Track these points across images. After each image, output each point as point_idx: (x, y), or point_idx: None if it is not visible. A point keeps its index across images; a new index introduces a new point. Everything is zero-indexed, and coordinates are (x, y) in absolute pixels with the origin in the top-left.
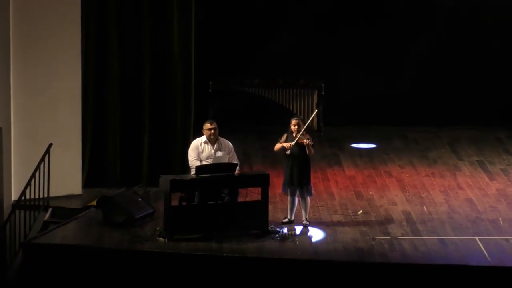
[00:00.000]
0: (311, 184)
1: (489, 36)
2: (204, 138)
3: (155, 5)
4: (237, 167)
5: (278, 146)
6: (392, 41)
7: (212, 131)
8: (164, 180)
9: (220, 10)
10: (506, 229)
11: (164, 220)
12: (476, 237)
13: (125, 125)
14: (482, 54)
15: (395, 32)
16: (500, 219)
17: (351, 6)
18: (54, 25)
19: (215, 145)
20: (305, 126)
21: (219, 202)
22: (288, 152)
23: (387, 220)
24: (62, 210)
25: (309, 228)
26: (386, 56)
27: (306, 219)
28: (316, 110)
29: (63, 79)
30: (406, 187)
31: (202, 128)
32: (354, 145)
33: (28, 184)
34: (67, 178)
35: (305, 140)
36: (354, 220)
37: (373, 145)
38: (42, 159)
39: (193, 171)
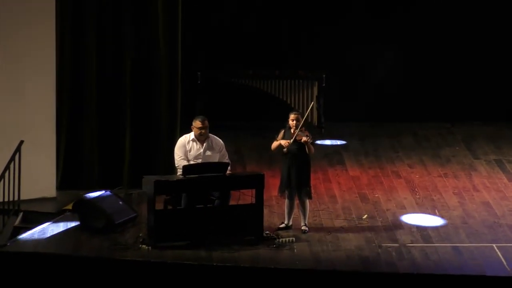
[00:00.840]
0: (311, 186)
1: (507, 28)
2: (192, 135)
3: None
4: (229, 167)
5: (275, 144)
6: (405, 30)
7: (203, 131)
8: (148, 181)
9: None
10: None
11: (147, 225)
12: (494, 244)
13: (104, 120)
14: (500, 45)
15: (410, 21)
16: None
17: None
18: (26, 15)
19: (205, 144)
20: (303, 122)
21: (208, 205)
22: (285, 150)
23: (395, 226)
24: (35, 215)
25: (309, 234)
26: (395, 45)
27: (305, 225)
28: (312, 103)
29: (35, 73)
30: (416, 189)
31: (190, 124)
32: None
33: None
34: (39, 179)
35: (304, 137)
36: (358, 225)
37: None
38: (12, 158)
39: (179, 172)
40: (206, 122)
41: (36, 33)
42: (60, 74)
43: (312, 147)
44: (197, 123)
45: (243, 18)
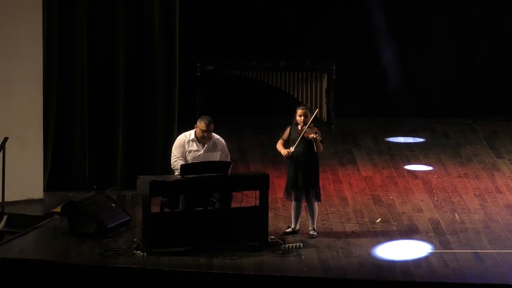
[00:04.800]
0: (320, 187)
1: None
2: (192, 134)
3: None
4: (231, 166)
5: (278, 147)
6: (422, 19)
7: (205, 134)
8: (143, 181)
9: None
10: None
11: (142, 230)
12: None
13: (95, 116)
14: None
15: (426, 9)
16: None
17: None
18: (12, 9)
19: (206, 145)
20: (310, 122)
21: (208, 208)
22: (292, 149)
23: (411, 230)
24: (20, 218)
25: (317, 239)
26: (412, 34)
27: (314, 229)
28: (317, 110)
29: (20, 63)
30: (434, 191)
31: (188, 120)
32: None
33: None
34: (26, 179)
35: (312, 135)
36: (371, 230)
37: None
38: None
39: (176, 173)
40: (212, 126)
41: (22, 24)
42: (47, 67)
43: (320, 146)
44: (201, 125)
45: (245, 4)
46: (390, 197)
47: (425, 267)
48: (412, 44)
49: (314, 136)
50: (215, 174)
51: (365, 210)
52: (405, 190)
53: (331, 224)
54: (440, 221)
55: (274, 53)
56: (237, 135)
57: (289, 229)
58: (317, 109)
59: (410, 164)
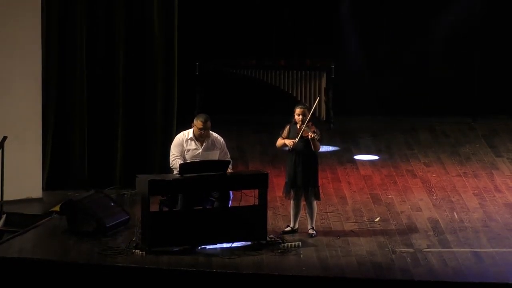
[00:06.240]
0: (319, 186)
1: None
2: (191, 133)
3: None
4: (230, 165)
5: (280, 142)
6: (421, 16)
7: (203, 132)
8: (142, 180)
9: None
10: None
11: (141, 228)
12: None
13: (95, 115)
14: None
15: (424, 6)
16: None
17: None
18: (11, 7)
19: (204, 144)
20: (309, 116)
21: (207, 207)
22: (290, 147)
23: (410, 229)
24: (19, 217)
25: (316, 238)
26: (411, 33)
27: (313, 228)
28: (318, 98)
29: (19, 61)
30: (433, 190)
31: (187, 119)
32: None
33: None
34: (24, 178)
35: (309, 134)
36: (370, 229)
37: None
38: None
39: (174, 172)
40: (209, 123)
41: (21, 23)
42: (46, 66)
43: (318, 144)
44: (198, 123)
45: (245, 3)
46: (389, 196)
47: (424, 266)
48: (412, 43)
49: (312, 135)
50: (214, 173)
51: (364, 209)
52: (404, 189)
53: (330, 223)
54: (439, 220)
55: (274, 52)
56: (236, 134)
57: (288, 228)
58: (317, 98)
59: (410, 164)
